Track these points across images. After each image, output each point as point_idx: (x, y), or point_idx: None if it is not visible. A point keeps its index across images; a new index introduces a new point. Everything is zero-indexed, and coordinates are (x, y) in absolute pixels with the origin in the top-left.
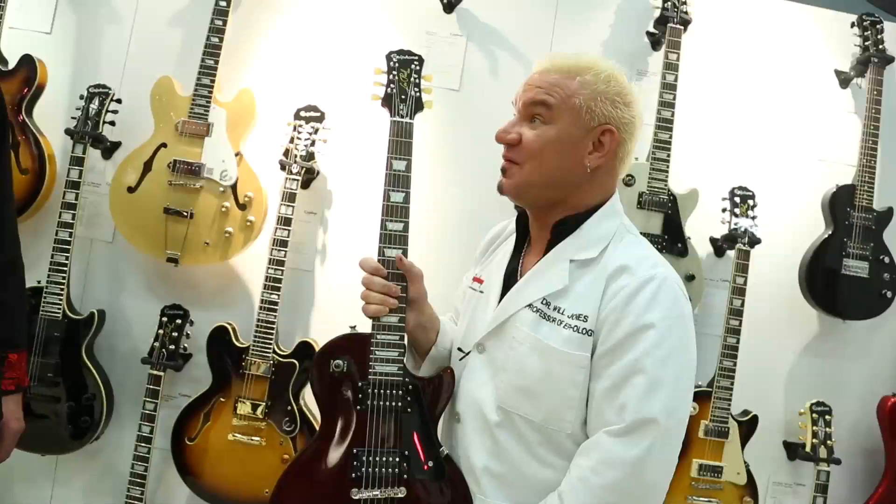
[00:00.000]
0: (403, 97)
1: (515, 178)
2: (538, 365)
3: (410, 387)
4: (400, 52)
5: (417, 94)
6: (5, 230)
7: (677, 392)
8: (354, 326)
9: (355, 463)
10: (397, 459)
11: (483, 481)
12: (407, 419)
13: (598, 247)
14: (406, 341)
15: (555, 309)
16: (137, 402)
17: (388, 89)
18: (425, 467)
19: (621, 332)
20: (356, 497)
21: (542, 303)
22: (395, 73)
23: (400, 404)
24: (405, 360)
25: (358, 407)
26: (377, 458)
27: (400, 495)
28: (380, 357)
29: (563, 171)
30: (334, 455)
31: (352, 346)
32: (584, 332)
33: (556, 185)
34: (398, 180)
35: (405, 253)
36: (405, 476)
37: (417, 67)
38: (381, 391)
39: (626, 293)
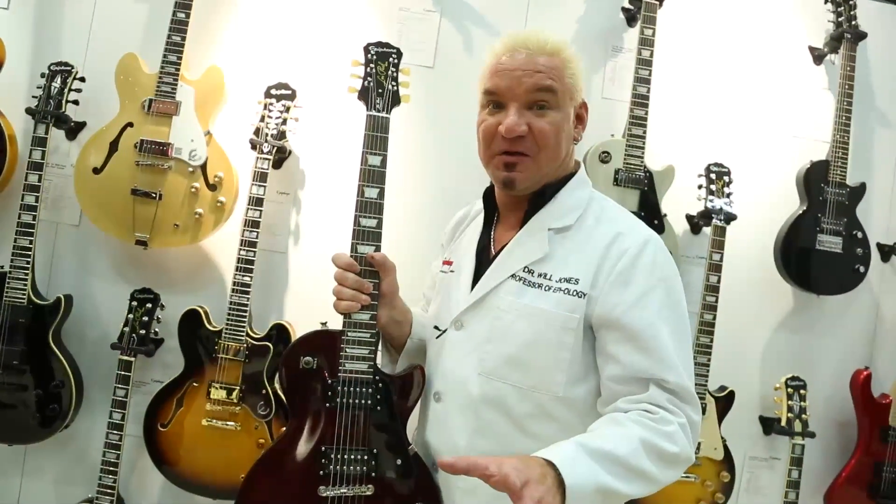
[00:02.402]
0: (380, 91)
1: (531, 171)
2: (527, 330)
3: (380, 384)
4: (378, 44)
5: (395, 88)
6: None
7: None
8: (325, 323)
9: (323, 460)
10: (365, 457)
11: None
12: (376, 417)
13: (573, 214)
14: (381, 337)
15: (540, 275)
16: (108, 389)
17: (366, 82)
18: (393, 466)
19: (636, 289)
20: (324, 494)
21: (524, 271)
22: (372, 65)
23: (369, 402)
24: (381, 356)
25: (327, 404)
26: (345, 456)
27: (367, 493)
28: (350, 354)
29: (565, 151)
30: (303, 452)
31: (322, 342)
32: (576, 294)
33: (558, 166)
34: (373, 176)
35: (378, 249)
36: (373, 474)
37: (395, 61)
38: (351, 388)
39: (631, 254)
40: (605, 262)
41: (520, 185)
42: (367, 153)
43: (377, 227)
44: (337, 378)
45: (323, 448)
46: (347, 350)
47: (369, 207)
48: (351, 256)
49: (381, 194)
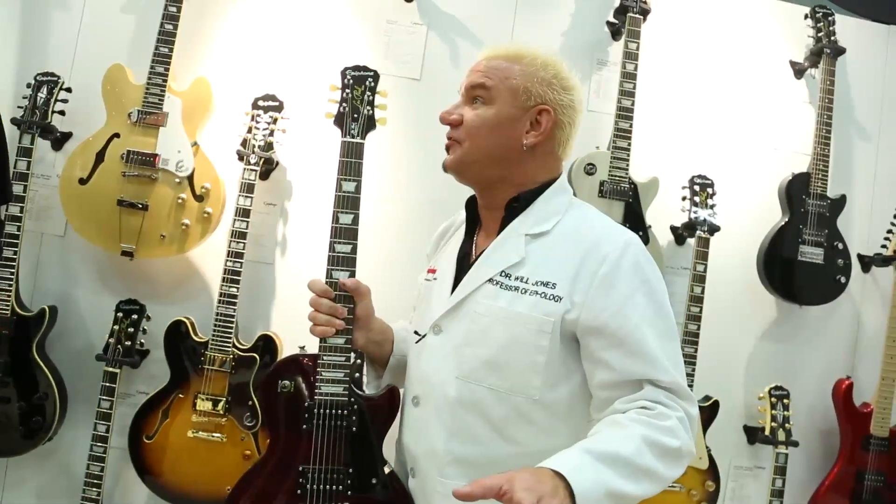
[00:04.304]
0: (356, 116)
1: (456, 155)
2: (503, 334)
3: (356, 406)
4: (355, 67)
5: (370, 112)
6: None
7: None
8: (303, 347)
9: (301, 479)
10: (342, 476)
11: (446, 464)
12: (352, 437)
13: (551, 221)
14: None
15: (516, 279)
16: (92, 401)
17: (341, 107)
18: (369, 484)
19: (620, 294)
20: None
21: (501, 275)
22: (348, 90)
23: (345, 423)
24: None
25: (304, 426)
26: (323, 475)
27: None
28: (326, 378)
29: (500, 148)
30: (282, 471)
31: (299, 366)
32: (553, 298)
33: (495, 162)
34: (347, 202)
35: (352, 274)
36: (349, 492)
37: (372, 84)
38: (327, 411)
39: (613, 259)
40: (585, 267)
41: (448, 168)
42: (342, 179)
43: (352, 252)
44: (313, 401)
45: (301, 468)
46: (324, 373)
47: (344, 233)
48: (326, 282)
49: (356, 220)
